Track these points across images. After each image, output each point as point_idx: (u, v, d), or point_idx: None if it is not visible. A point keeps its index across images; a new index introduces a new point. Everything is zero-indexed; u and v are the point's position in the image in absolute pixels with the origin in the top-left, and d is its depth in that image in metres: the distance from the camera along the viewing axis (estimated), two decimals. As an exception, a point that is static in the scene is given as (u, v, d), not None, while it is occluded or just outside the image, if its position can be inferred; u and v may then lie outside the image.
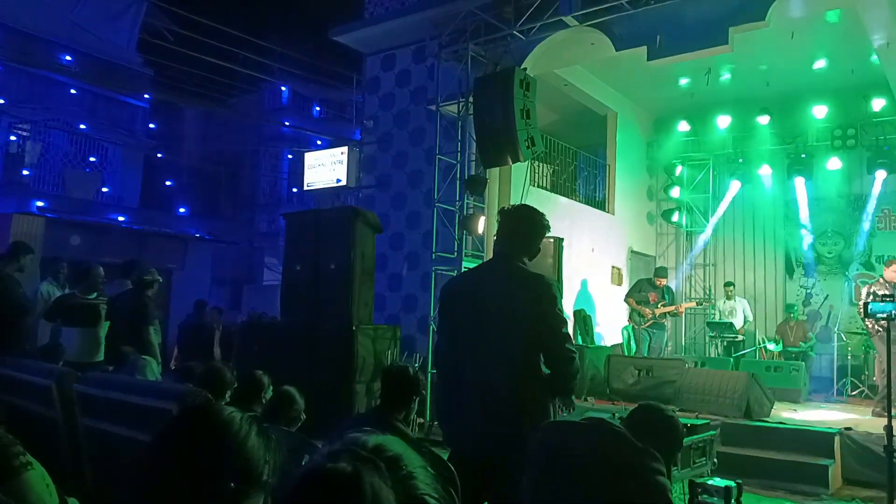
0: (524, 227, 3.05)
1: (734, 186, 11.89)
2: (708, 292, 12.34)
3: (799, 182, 11.14)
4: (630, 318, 9.97)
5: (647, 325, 9.64)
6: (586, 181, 12.12)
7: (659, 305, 9.63)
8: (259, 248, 20.39)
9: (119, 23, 17.27)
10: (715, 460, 3.68)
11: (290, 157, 21.02)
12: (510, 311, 2.85)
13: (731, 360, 9.76)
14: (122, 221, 14.62)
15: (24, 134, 15.91)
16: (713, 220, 12.17)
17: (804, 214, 11.35)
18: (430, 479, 0.86)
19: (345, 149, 11.20)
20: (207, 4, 21.56)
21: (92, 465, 3.51)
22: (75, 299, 6.24)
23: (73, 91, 16.28)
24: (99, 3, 16.75)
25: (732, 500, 2.78)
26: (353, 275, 7.17)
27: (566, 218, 10.26)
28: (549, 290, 2.89)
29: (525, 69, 8.31)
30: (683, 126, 12.00)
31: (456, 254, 8.58)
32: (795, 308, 10.82)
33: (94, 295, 6.29)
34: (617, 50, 8.32)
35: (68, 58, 16.03)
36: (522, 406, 2.77)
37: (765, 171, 11.57)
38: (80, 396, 3.75)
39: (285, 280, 8.05)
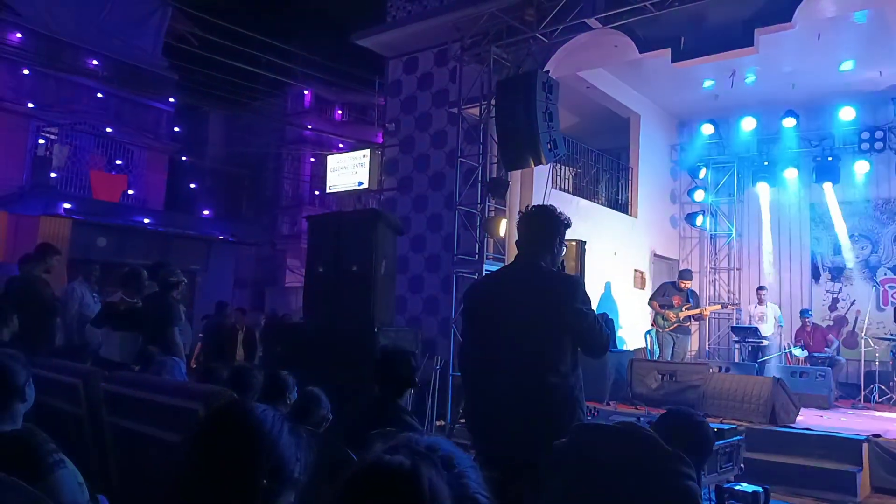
0: (542, 226, 3.05)
1: (763, 190, 11.73)
2: (734, 300, 12.20)
3: (828, 187, 10.99)
4: (654, 321, 9.87)
5: (670, 328, 9.54)
6: (608, 184, 12.05)
7: (683, 308, 9.52)
8: (281, 250, 20.56)
9: (144, 27, 17.52)
10: (742, 465, 3.64)
11: (312, 160, 21.17)
12: (538, 311, 2.83)
13: (756, 365, 9.64)
14: (147, 223, 14.80)
15: (52, 137, 16.18)
16: (766, 228, 11.87)
17: (837, 218, 11.15)
18: (481, 478, 0.86)
19: (367, 151, 11.25)
20: (231, 9, 21.78)
21: (118, 463, 3.55)
22: (126, 304, 6.24)
23: (99, 95, 16.54)
24: (125, 8, 17.01)
25: (760, 506, 2.74)
26: (375, 276, 7.17)
27: (588, 220, 10.20)
28: (577, 286, 2.91)
29: (547, 71, 8.30)
30: (707, 129, 11.88)
31: (477, 256, 8.57)
32: (809, 312, 10.66)
33: (136, 299, 6.31)
34: (641, 52, 8.27)
35: (95, 62, 16.29)
36: (553, 409, 2.75)
37: (790, 174, 11.43)
38: (107, 395, 3.80)
39: (307, 281, 8.08)
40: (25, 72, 15.33)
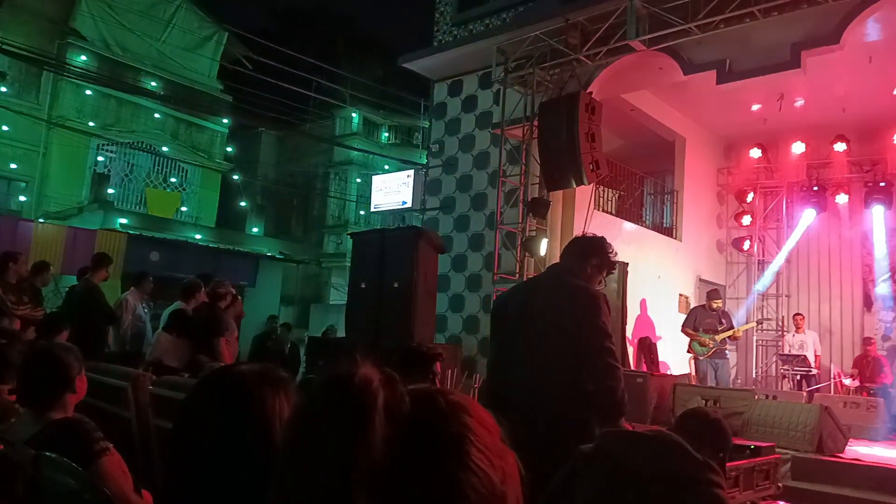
0: (577, 248, 3.06)
1: (808, 216, 11.48)
2: (780, 323, 11.91)
3: (877, 211, 10.70)
4: (690, 349, 9.56)
5: (709, 355, 9.21)
6: (653, 207, 11.95)
7: (719, 331, 9.23)
8: (326, 268, 20.89)
9: (201, 51, 18.20)
10: (780, 485, 3.55)
11: (358, 180, 21.54)
12: (554, 322, 2.81)
13: (805, 394, 9.37)
14: (198, 239, 15.23)
15: (111, 155, 16.87)
16: (785, 251, 11.68)
17: (880, 245, 10.85)
18: (487, 423, 0.81)
19: (411, 172, 11.44)
20: (284, 34, 22.46)
21: (162, 462, 3.68)
22: (188, 313, 6.37)
23: (157, 115, 17.21)
24: (183, 33, 17.72)
25: (795, 525, 2.69)
26: (416, 294, 7.27)
27: (632, 243, 10.13)
28: (592, 300, 2.82)
29: (591, 93, 8.33)
30: (755, 152, 11.71)
31: (518, 276, 8.59)
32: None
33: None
34: (685, 74, 8.25)
35: (154, 84, 16.96)
36: (566, 422, 2.72)
37: (841, 199, 11.17)
38: (154, 398, 3.95)
39: (351, 298, 8.22)
40: (88, 92, 16.05)
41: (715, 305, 9.34)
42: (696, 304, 10.65)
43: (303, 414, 0.80)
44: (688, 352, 9.64)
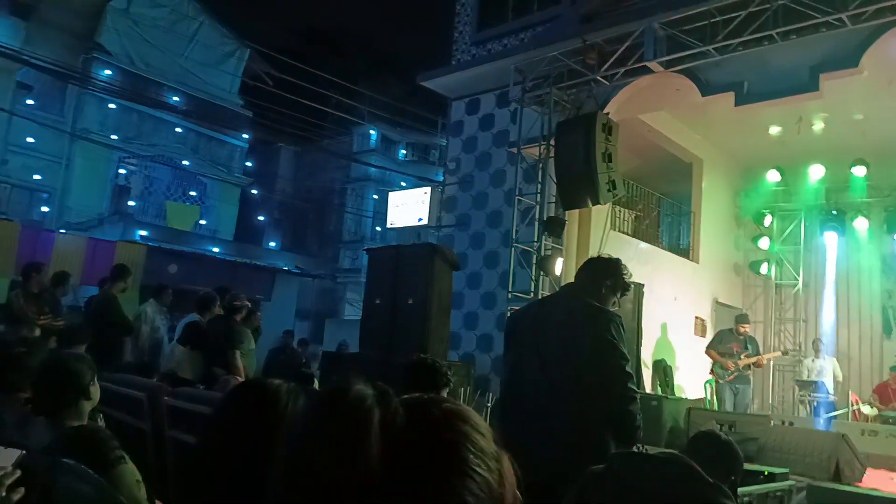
0: (594, 269, 3.07)
1: (831, 240, 11.33)
2: (799, 348, 11.76)
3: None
4: (712, 371, 9.49)
5: (730, 378, 9.14)
6: (670, 228, 11.90)
7: (742, 356, 9.15)
8: (342, 283, 20.98)
9: (223, 67, 18.48)
10: (793, 512, 3.52)
11: (374, 197, 21.67)
12: (570, 341, 2.83)
13: (822, 420, 9.24)
14: (216, 252, 15.37)
15: (132, 168, 17.12)
16: (830, 280, 11.36)
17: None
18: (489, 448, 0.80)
19: (427, 189, 11.48)
20: (305, 51, 22.74)
21: (177, 473, 3.71)
22: (202, 326, 6.42)
23: (178, 129, 17.48)
24: (206, 49, 18.01)
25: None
26: (430, 310, 7.28)
27: (648, 264, 10.09)
28: (608, 323, 2.84)
29: (608, 113, 8.35)
30: (773, 175, 11.61)
31: (532, 294, 8.58)
32: None
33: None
34: (703, 96, 8.24)
35: (176, 98, 17.23)
36: (580, 440, 2.73)
37: (860, 223, 11.06)
38: (170, 409, 3.98)
39: (365, 313, 8.25)
40: (112, 106, 16.33)
41: (742, 330, 9.26)
42: (721, 327, 10.56)
43: (299, 434, 0.81)
44: (710, 374, 9.57)
